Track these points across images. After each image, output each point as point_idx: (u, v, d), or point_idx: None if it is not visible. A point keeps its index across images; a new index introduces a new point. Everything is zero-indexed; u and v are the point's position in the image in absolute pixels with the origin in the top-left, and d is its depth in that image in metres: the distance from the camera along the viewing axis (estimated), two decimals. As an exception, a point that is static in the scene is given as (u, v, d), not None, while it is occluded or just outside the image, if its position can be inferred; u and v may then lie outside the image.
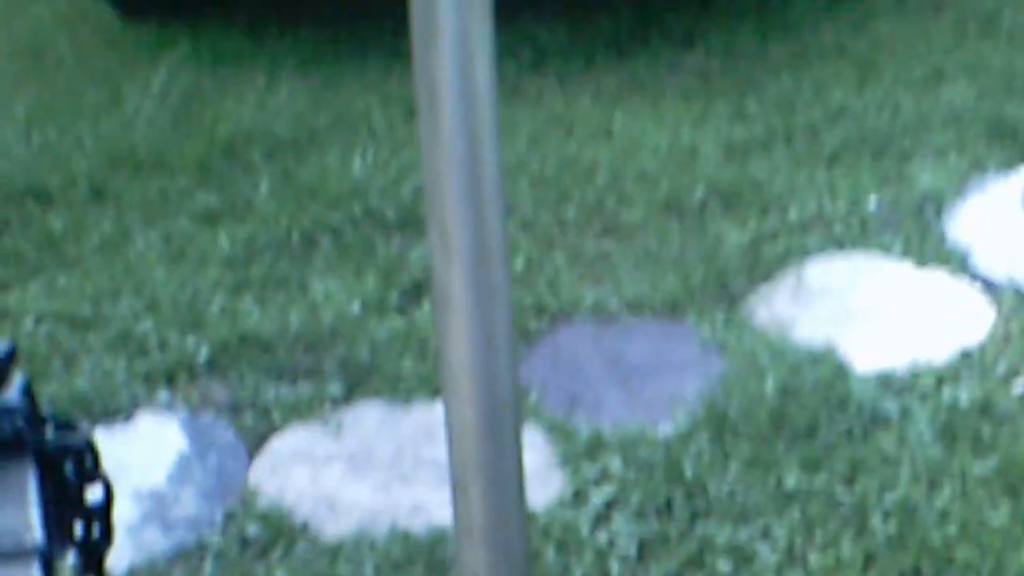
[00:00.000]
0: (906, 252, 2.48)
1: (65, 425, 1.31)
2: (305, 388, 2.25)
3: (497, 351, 0.87)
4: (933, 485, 1.97)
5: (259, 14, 3.90)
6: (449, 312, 0.86)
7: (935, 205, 2.59)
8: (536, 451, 2.10)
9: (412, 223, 2.73)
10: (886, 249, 2.50)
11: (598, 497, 2.00)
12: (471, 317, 0.86)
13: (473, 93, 0.80)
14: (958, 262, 2.43)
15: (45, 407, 1.31)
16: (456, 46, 0.78)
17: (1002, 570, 1.83)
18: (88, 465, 1.32)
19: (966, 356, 2.22)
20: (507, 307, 0.88)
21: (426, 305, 2.45)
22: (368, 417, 2.21)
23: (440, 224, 0.82)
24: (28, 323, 2.45)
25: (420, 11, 0.78)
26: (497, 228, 0.83)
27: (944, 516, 1.91)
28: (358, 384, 2.26)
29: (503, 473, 0.95)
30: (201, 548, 1.99)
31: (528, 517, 1.99)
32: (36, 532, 1.21)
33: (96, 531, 1.35)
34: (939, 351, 2.24)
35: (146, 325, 2.42)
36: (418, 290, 2.51)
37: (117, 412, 2.23)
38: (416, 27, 0.79)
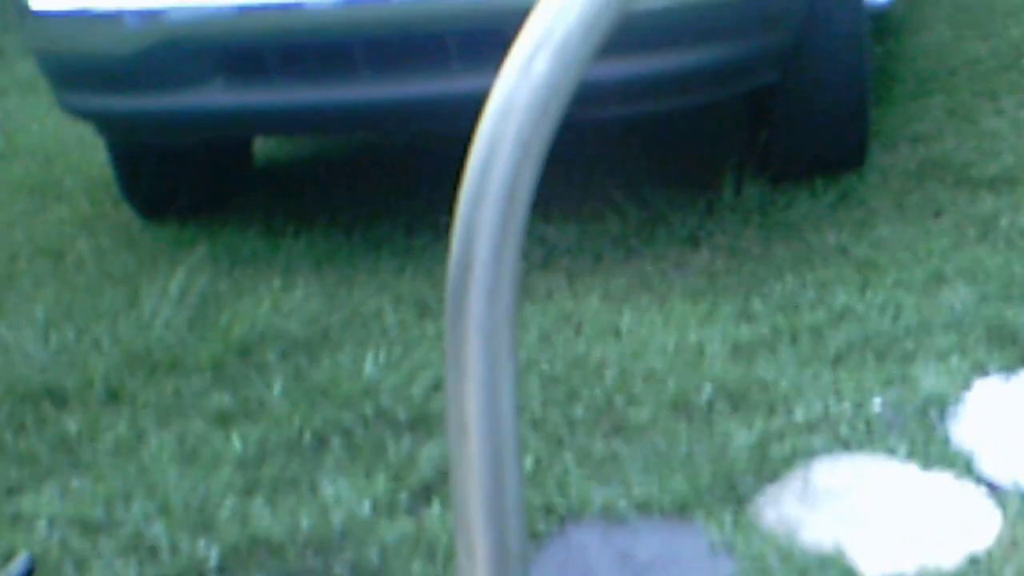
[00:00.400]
0: (911, 454, 2.50)
1: None
2: (314, 593, 2.26)
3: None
4: None
5: (276, 215, 4.01)
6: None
7: (938, 407, 2.62)
8: (544, 658, 2.09)
9: (423, 422, 2.76)
10: (891, 451, 2.52)
11: None
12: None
13: (498, 419, 0.89)
14: (963, 465, 2.45)
15: None
16: (484, 381, 0.87)
17: None
18: None
19: (974, 561, 2.23)
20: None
21: (436, 506, 2.47)
22: (377, 623, 2.21)
23: (465, 532, 0.90)
24: (41, 527, 2.47)
25: (452, 351, 0.86)
26: (518, 535, 0.90)
27: None
28: (367, 589, 2.27)
29: None
30: None
31: None
32: None
33: None
34: (947, 556, 2.25)
35: (157, 529, 2.44)
36: (428, 491, 2.53)
37: (126, 617, 2.23)
38: (449, 364, 0.88)
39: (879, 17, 4.39)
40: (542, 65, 0.77)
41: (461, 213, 0.82)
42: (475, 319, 0.82)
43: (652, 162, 4.25)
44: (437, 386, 2.89)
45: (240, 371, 3.01)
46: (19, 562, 1.27)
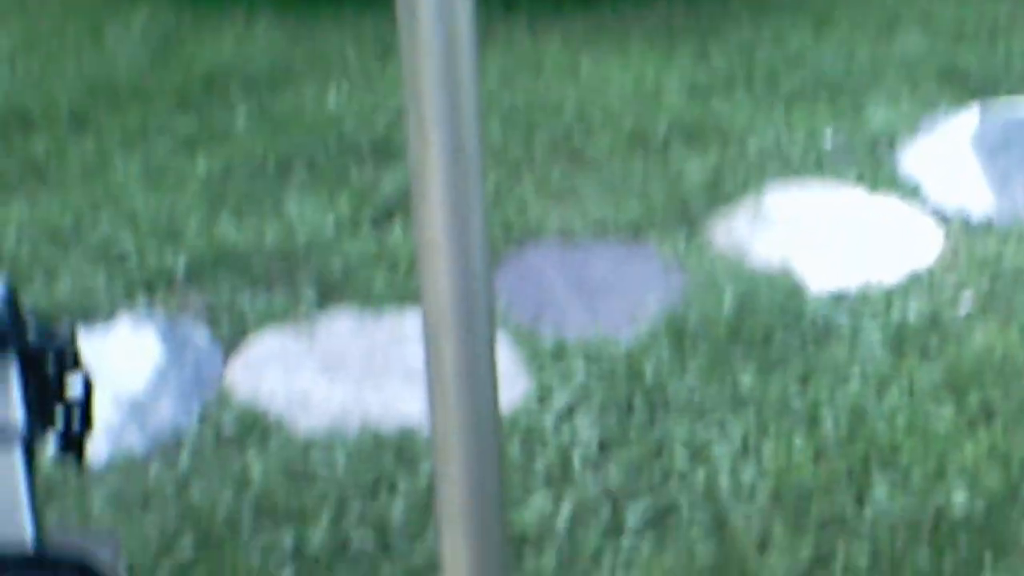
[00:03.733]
0: (860, 180, 2.58)
1: (48, 325, 1.39)
2: (280, 297, 2.33)
3: (472, 253, 0.87)
4: (881, 388, 2.07)
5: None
6: (425, 222, 0.86)
7: (888, 141, 2.69)
8: (502, 355, 2.18)
9: (385, 151, 2.81)
10: (840, 178, 2.60)
11: (561, 397, 2.09)
12: (447, 227, 0.87)
13: (459, 113, 0.82)
14: (909, 191, 2.54)
15: (28, 310, 1.39)
16: (441, 72, 0.80)
17: (945, 465, 1.93)
18: (69, 360, 1.39)
19: (915, 277, 2.33)
20: (481, 214, 0.88)
21: (397, 227, 2.53)
22: (341, 323, 2.29)
23: (418, 125, 0.83)
24: (10, 236, 2.52)
25: (408, 42, 0.79)
26: (473, 132, 0.84)
27: (892, 416, 2.01)
28: (331, 294, 2.35)
29: (478, 377, 0.96)
30: (178, 443, 2.07)
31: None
32: (18, 420, 1.30)
33: (77, 420, 1.43)
34: (890, 272, 2.34)
35: (126, 240, 2.50)
36: (390, 213, 2.59)
37: (97, 317, 2.30)
38: (404, 55, 0.81)
39: None
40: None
41: None
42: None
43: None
44: (399, 119, 2.93)
45: (204, 102, 3.03)
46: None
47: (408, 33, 0.83)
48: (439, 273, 0.88)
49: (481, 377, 1.00)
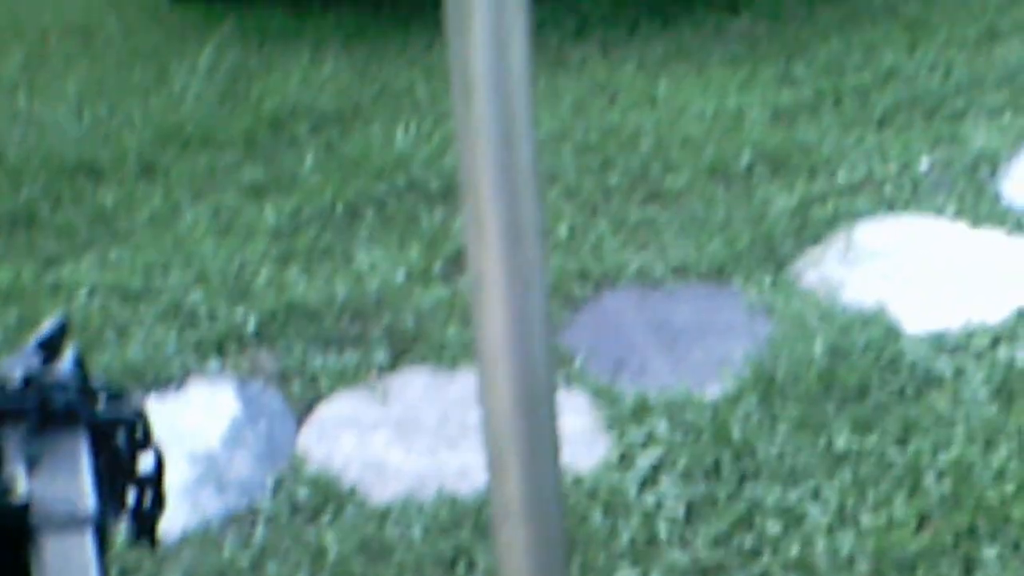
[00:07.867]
0: (959, 213, 2.44)
1: (117, 396, 1.31)
2: (351, 356, 2.25)
3: (532, 330, 0.84)
4: (989, 444, 1.94)
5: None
6: (483, 293, 0.83)
7: (989, 165, 2.55)
8: (582, 415, 2.09)
9: (455, 193, 2.72)
10: (939, 210, 2.46)
11: (645, 460, 1.99)
12: (505, 298, 0.84)
13: (508, 76, 0.75)
14: (1014, 222, 2.39)
15: (98, 378, 1.32)
16: (490, 32, 0.74)
17: (1058, 528, 1.80)
18: (140, 435, 1.32)
19: (1022, 315, 2.19)
20: (541, 288, 0.86)
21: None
22: (414, 384, 2.21)
23: (475, 205, 0.79)
24: (81, 295, 2.47)
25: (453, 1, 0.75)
26: (531, 209, 0.80)
27: (1000, 475, 1.88)
28: (404, 352, 2.26)
29: (540, 452, 0.93)
30: (252, 512, 2.00)
31: (574, 480, 1.98)
32: (89, 500, 1.22)
33: (148, 499, 1.35)
34: (994, 310, 2.21)
35: (196, 296, 2.43)
36: (461, 259, 2.50)
37: (169, 381, 2.24)
38: (450, 15, 0.76)
39: None
40: None
41: None
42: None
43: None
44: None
45: (272, 144, 2.97)
46: (52, 322, 1.24)
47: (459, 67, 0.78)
48: (496, 323, 0.85)
49: (543, 450, 0.95)
